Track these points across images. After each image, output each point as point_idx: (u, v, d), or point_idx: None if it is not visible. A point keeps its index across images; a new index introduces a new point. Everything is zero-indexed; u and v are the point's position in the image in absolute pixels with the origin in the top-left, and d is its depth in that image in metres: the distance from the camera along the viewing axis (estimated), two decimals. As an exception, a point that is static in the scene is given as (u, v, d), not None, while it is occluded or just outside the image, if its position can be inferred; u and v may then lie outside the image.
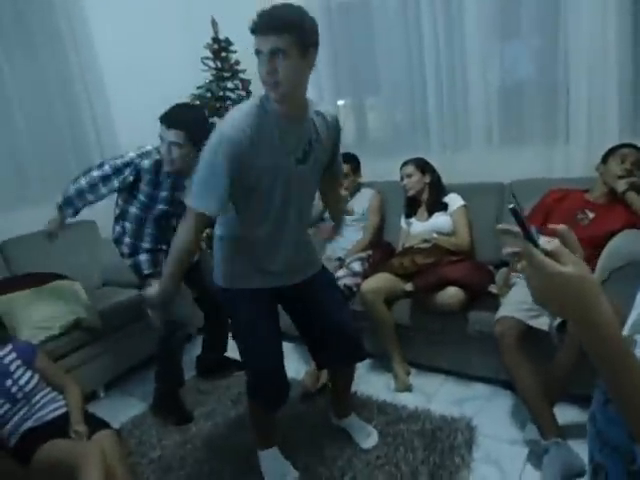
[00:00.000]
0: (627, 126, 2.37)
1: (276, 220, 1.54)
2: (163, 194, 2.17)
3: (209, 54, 3.27)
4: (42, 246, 2.77)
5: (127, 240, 2.26)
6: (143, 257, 2.23)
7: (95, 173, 2.14)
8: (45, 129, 3.01)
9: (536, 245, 0.58)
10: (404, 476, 1.74)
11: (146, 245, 2.26)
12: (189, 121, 1.99)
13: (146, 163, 2.11)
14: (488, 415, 2.03)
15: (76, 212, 2.27)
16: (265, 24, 1.29)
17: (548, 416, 1.73)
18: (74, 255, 2.88)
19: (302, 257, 1.69)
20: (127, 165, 2.11)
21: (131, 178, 2.12)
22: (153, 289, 1.73)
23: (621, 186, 2.09)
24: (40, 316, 2.33)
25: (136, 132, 2.99)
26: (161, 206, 2.19)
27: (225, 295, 1.65)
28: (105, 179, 2.14)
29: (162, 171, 2.11)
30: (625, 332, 0.65)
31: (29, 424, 1.72)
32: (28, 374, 1.79)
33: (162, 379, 2.33)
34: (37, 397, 1.78)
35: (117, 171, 2.13)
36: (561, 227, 0.62)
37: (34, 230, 2.82)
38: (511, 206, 0.61)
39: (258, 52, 1.33)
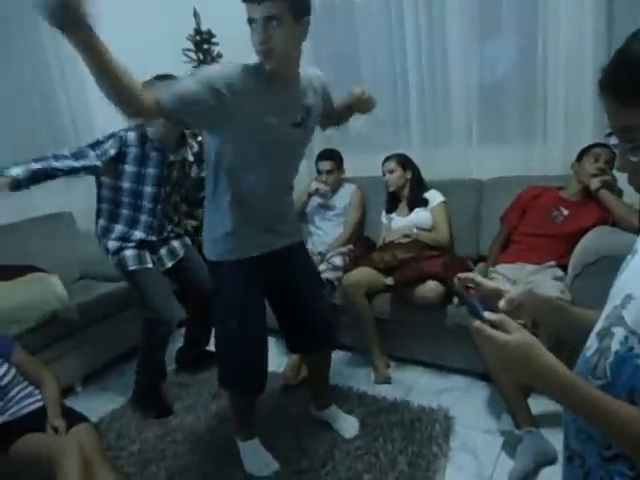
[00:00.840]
0: (601, 127, 2.44)
1: (271, 178, 1.54)
2: (151, 171, 2.09)
3: (191, 46, 3.23)
4: (18, 238, 2.73)
5: (118, 228, 2.15)
6: (128, 252, 2.15)
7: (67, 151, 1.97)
8: (21, 122, 2.94)
9: (482, 318, 0.66)
10: (383, 465, 1.78)
11: (139, 234, 2.17)
12: None
13: (132, 134, 2.03)
14: (465, 406, 2.08)
15: (29, 179, 1.83)
16: None
17: (522, 407, 1.79)
18: (51, 247, 2.82)
19: (290, 218, 1.74)
20: (110, 137, 2.01)
21: (113, 152, 1.98)
22: None
23: (595, 184, 2.15)
24: (16, 309, 2.28)
25: (114, 124, 2.96)
26: (149, 188, 2.12)
27: (218, 272, 1.63)
28: (78, 153, 1.95)
29: (149, 145, 2.05)
30: (600, 325, 0.68)
31: (4, 418, 1.69)
32: (4, 368, 1.75)
33: (143, 373, 2.31)
34: (13, 391, 1.74)
35: (96, 144, 1.99)
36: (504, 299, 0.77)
37: (10, 221, 2.77)
38: (459, 291, 0.75)
39: (251, 21, 1.31)
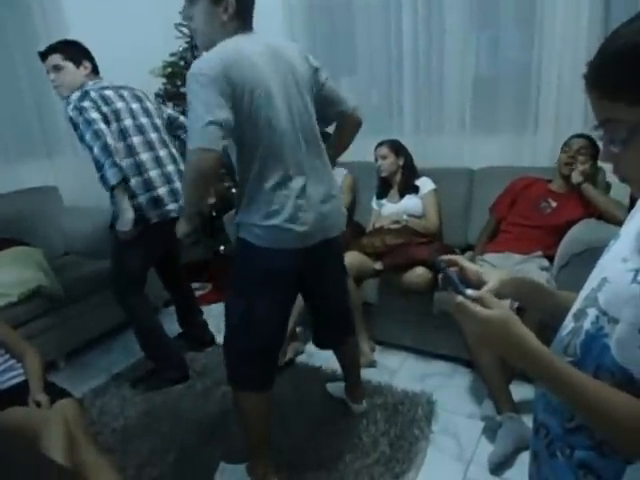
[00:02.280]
0: (592, 120, 2.45)
1: (293, 156, 1.42)
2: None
3: (186, 30, 3.15)
4: (1, 211, 2.67)
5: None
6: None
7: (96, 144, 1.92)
8: (6, 89, 2.86)
9: (464, 294, 0.68)
10: (365, 446, 1.80)
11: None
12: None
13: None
14: (448, 391, 2.11)
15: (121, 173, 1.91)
16: None
17: (504, 393, 1.82)
18: (35, 221, 2.78)
19: (334, 202, 1.55)
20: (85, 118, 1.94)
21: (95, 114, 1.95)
22: (180, 226, 1.62)
23: (576, 178, 2.18)
24: (-2, 282, 2.25)
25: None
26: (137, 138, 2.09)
27: (256, 254, 1.45)
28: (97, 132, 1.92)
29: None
30: (577, 306, 0.70)
31: (-14, 391, 1.67)
32: (-15, 340, 1.73)
33: (150, 346, 2.29)
34: (-5, 364, 1.73)
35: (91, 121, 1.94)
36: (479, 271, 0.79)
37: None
38: (440, 265, 0.76)
39: None
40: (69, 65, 2.04)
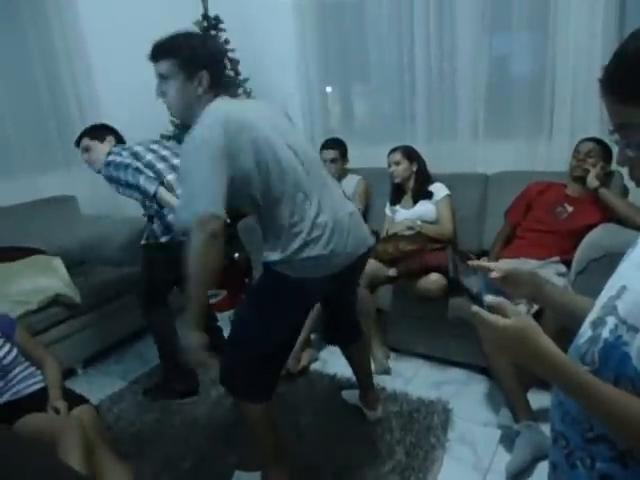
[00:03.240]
0: (607, 124, 2.42)
1: (309, 188, 1.42)
2: None
3: (198, 31, 3.20)
4: (21, 220, 2.73)
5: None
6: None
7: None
8: (27, 102, 2.93)
9: (481, 303, 0.68)
10: (380, 454, 1.79)
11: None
12: None
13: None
14: (464, 399, 2.09)
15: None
16: (150, 52, 1.46)
17: (522, 401, 1.79)
18: (53, 230, 2.83)
19: (355, 218, 1.55)
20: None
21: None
22: (186, 339, 1.49)
23: (592, 183, 2.16)
24: (18, 290, 2.29)
25: (121, 108, 2.94)
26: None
27: (283, 281, 1.42)
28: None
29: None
30: (595, 314, 0.69)
31: (6, 398, 1.69)
32: (7, 347, 1.75)
33: (166, 355, 2.31)
34: (15, 371, 1.75)
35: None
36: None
37: (13, 203, 2.77)
38: (450, 276, 0.72)
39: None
40: (96, 143, 2.27)
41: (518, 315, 0.64)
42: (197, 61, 1.41)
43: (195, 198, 1.28)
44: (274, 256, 1.40)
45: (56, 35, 2.96)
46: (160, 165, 2.15)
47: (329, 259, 1.41)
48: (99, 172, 2.24)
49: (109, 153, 2.18)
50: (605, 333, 0.64)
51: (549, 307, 0.85)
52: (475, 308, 0.66)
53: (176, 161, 2.19)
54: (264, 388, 1.55)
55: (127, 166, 2.11)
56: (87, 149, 2.28)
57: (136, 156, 2.14)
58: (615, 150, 0.68)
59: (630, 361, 0.60)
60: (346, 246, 1.45)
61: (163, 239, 2.18)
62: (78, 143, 2.31)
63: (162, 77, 1.43)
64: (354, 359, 1.95)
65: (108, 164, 2.14)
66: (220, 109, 1.38)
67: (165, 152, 2.24)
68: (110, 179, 2.16)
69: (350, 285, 1.75)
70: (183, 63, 1.40)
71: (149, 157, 2.16)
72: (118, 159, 2.13)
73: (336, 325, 1.88)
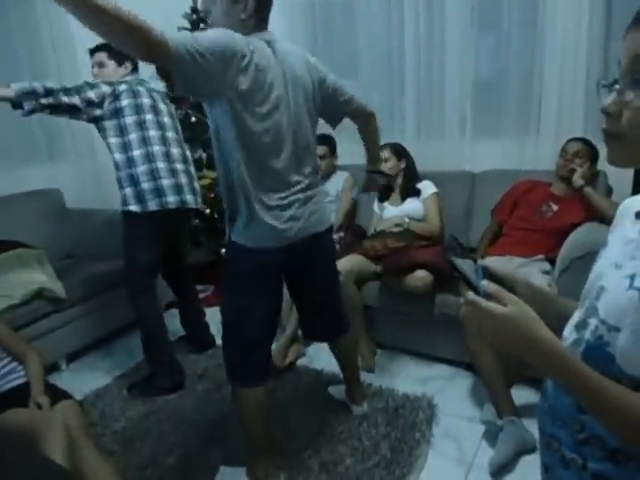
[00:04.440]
0: (592, 124, 2.45)
1: (290, 152, 1.46)
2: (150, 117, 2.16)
3: (187, 24, 3.17)
4: (5, 213, 2.68)
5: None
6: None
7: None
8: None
9: (477, 288, 0.64)
10: (366, 449, 1.80)
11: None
12: None
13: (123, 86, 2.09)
14: (449, 394, 2.11)
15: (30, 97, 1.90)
16: None
17: (505, 396, 1.82)
18: (38, 224, 2.79)
19: (317, 201, 1.59)
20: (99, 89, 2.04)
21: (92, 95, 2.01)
22: None
23: (577, 182, 2.19)
24: (1, 284, 2.25)
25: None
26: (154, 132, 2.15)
27: (242, 256, 1.49)
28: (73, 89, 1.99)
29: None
30: (578, 317, 0.69)
31: (-13, 393, 1.67)
32: (-13, 342, 1.73)
33: (152, 348, 2.29)
34: (-4, 366, 1.73)
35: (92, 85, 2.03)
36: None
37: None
38: (451, 258, 0.71)
39: None
40: (112, 63, 2.19)
41: (516, 303, 0.62)
42: None
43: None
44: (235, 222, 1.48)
45: (42, 25, 2.91)
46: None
47: (276, 230, 1.44)
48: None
49: (125, 83, 2.09)
50: (587, 335, 0.65)
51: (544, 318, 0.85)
52: (471, 294, 0.64)
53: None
54: (257, 370, 1.58)
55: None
56: (101, 65, 2.19)
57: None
58: (603, 154, 0.66)
59: (614, 361, 0.60)
60: (300, 223, 1.49)
61: (133, 207, 2.10)
62: (92, 53, 2.21)
63: None
64: (341, 354, 1.95)
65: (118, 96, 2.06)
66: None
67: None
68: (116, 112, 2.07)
69: (316, 267, 1.68)
70: None
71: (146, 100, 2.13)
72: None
73: (313, 319, 1.83)
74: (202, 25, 3.17)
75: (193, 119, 3.07)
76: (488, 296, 0.63)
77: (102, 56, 2.19)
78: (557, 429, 0.70)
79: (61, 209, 3.01)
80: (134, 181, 2.09)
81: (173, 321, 2.65)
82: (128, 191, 2.10)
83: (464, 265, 0.70)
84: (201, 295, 3.23)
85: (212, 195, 3.04)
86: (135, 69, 2.27)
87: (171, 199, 2.14)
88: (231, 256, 1.54)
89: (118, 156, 2.09)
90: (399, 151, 2.61)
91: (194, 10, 3.15)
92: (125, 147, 2.09)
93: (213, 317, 2.72)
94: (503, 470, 1.66)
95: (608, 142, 0.61)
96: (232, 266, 1.54)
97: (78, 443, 1.57)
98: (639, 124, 0.56)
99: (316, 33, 3.17)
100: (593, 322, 0.64)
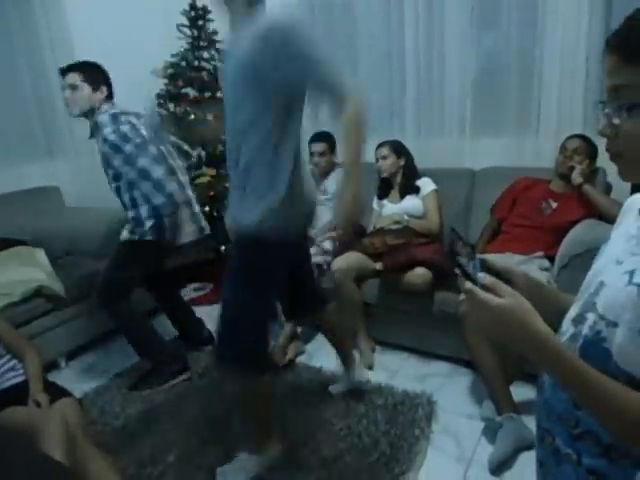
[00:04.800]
0: (591, 122, 2.45)
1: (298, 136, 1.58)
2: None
3: (185, 21, 3.17)
4: (3, 211, 2.68)
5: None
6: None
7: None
8: (9, 91, 2.88)
9: (474, 281, 0.64)
10: (365, 446, 1.80)
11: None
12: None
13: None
14: (448, 391, 2.11)
15: None
16: None
17: (505, 393, 1.82)
18: (37, 221, 2.78)
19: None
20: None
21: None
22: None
23: (576, 179, 2.19)
24: (0, 282, 2.25)
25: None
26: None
27: (261, 248, 1.50)
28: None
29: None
30: (575, 311, 0.69)
31: (-14, 390, 1.67)
32: (-14, 339, 1.73)
33: (145, 347, 2.30)
34: (-5, 364, 1.73)
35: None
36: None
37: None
38: (448, 249, 0.70)
39: None
40: (85, 87, 2.04)
41: (512, 295, 0.62)
42: None
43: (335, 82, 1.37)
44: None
45: (40, 24, 2.90)
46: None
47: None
48: (74, 116, 2.09)
49: (113, 115, 2.04)
50: (585, 330, 0.65)
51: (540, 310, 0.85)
52: (469, 285, 0.64)
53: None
54: (262, 356, 1.61)
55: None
56: (73, 87, 2.01)
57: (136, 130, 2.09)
58: (602, 148, 0.68)
59: (611, 357, 0.60)
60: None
61: (148, 223, 2.09)
62: (64, 74, 2.03)
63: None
64: (327, 327, 2.00)
65: (122, 135, 2.03)
66: None
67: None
68: (116, 148, 2.03)
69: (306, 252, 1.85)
70: None
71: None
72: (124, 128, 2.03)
73: (301, 298, 1.87)
74: (200, 22, 3.16)
75: (192, 117, 3.06)
76: (485, 288, 0.63)
77: (75, 77, 2.01)
78: (552, 424, 0.71)
79: (60, 207, 3.00)
80: (145, 197, 2.09)
81: (166, 324, 2.64)
82: (144, 209, 2.10)
83: (463, 258, 0.69)
84: (200, 293, 3.24)
85: (211, 193, 3.03)
86: (110, 95, 2.15)
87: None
88: (258, 245, 1.50)
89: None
90: (398, 148, 2.61)
91: (192, 7, 3.15)
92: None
93: (212, 315, 2.73)
94: (502, 466, 1.67)
95: (612, 160, 0.63)
96: (258, 254, 1.50)
97: (76, 441, 1.57)
98: (633, 145, 0.59)
99: (315, 31, 3.16)
100: (591, 317, 0.64)
